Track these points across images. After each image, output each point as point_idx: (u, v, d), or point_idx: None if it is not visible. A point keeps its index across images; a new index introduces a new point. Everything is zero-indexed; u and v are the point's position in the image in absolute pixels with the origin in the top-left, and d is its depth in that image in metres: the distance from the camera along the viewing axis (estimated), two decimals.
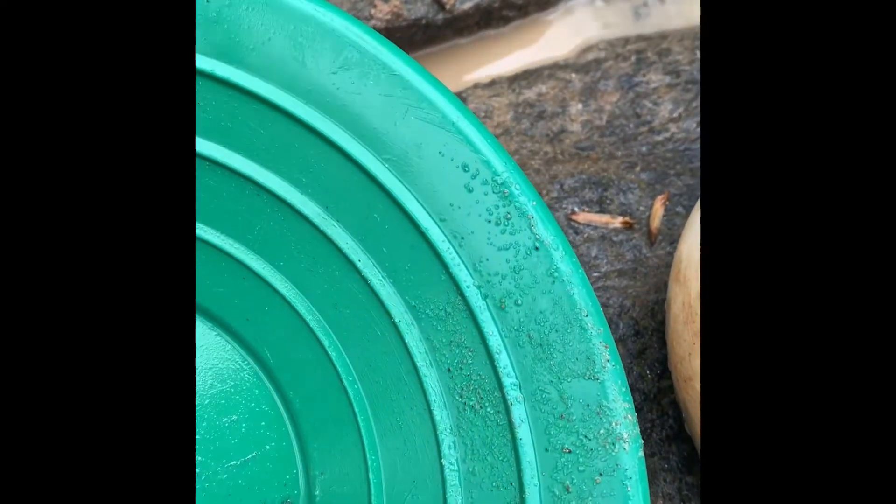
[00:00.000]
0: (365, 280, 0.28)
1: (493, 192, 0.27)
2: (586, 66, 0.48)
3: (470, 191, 0.27)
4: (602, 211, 0.42)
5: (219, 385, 0.31)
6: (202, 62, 0.27)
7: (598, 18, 0.51)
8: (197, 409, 0.31)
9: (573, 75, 0.48)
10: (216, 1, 0.26)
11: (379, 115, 0.27)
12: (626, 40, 0.49)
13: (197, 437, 0.30)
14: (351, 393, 0.29)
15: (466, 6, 0.48)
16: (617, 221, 0.41)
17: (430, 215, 0.27)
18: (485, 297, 0.27)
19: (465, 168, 0.27)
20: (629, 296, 0.39)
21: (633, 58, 0.48)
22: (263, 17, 0.27)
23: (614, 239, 0.41)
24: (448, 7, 0.48)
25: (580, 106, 0.47)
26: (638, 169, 0.44)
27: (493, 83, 0.48)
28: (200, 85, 0.27)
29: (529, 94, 0.47)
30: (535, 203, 0.26)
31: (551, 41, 0.52)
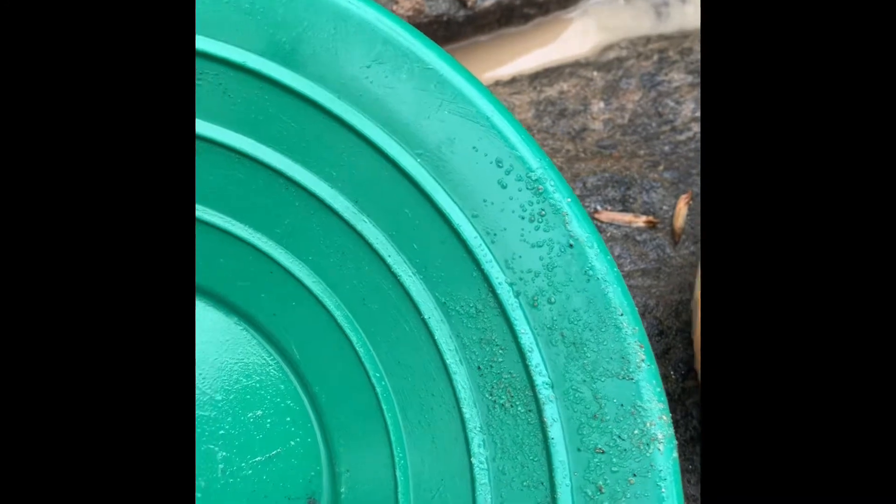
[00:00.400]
0: (395, 276, 0.28)
1: (527, 189, 0.26)
2: (608, 65, 0.48)
3: (503, 187, 0.26)
4: (625, 210, 0.41)
5: (244, 380, 0.31)
6: (234, 53, 0.27)
7: (618, 17, 0.51)
8: (222, 404, 0.30)
9: (595, 73, 0.48)
10: None
11: (412, 110, 0.27)
12: (647, 39, 0.49)
13: (222, 432, 0.30)
14: (378, 389, 0.29)
15: (488, 3, 0.48)
16: (640, 220, 0.41)
17: (463, 211, 0.27)
18: (517, 294, 0.26)
19: (498, 164, 0.26)
20: (653, 295, 0.39)
21: (655, 56, 0.48)
22: (296, 9, 0.27)
23: (637, 238, 0.41)
24: (469, 4, 0.48)
25: (602, 104, 0.46)
26: (661, 168, 0.43)
27: (513, 80, 0.48)
28: (231, 76, 0.27)
29: (551, 91, 0.47)
30: (569, 200, 0.26)
31: (572, 39, 0.51)
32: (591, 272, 0.26)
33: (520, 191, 0.26)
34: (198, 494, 0.30)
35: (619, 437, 0.25)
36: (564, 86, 0.47)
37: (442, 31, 0.48)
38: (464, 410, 0.27)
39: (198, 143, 0.28)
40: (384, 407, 0.29)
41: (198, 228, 0.29)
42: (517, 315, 0.26)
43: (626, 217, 0.41)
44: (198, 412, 0.30)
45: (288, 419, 0.30)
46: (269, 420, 0.30)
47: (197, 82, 0.27)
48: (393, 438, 0.29)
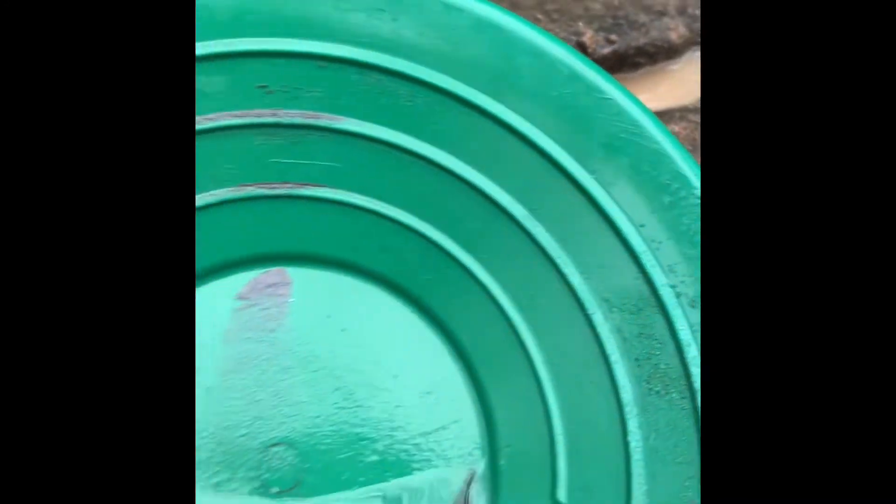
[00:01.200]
0: (563, 275, 0.32)
1: (690, 206, 0.31)
2: None
3: (669, 203, 0.31)
4: None
5: (416, 362, 0.35)
6: (442, 81, 0.32)
7: None
8: (393, 381, 0.35)
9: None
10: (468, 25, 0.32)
11: (592, 133, 0.31)
12: None
13: (393, 407, 0.34)
14: (541, 376, 0.33)
15: (605, 51, 0.53)
16: None
17: (631, 222, 0.31)
18: (678, 295, 0.31)
19: (665, 183, 0.31)
20: None
21: None
22: (500, 46, 0.32)
23: None
24: (590, 51, 0.53)
25: None
26: None
27: None
28: (437, 100, 0.32)
29: None
30: None
31: (678, 88, 0.56)
32: None
33: (683, 207, 0.31)
34: (374, 458, 0.34)
35: None
36: (675, 128, 0.52)
37: None
38: (621, 396, 0.31)
39: (404, 156, 0.33)
40: (545, 391, 0.33)
41: (392, 227, 0.34)
42: (677, 314, 0.30)
43: None
44: (380, 386, 0.34)
45: (452, 398, 0.34)
46: (434, 398, 0.35)
47: (409, 103, 0.32)
48: (552, 418, 0.33)
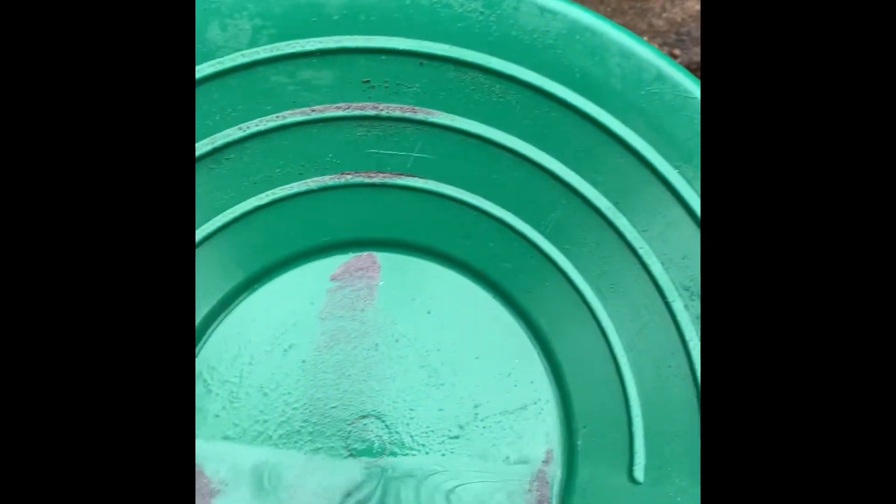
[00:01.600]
0: (644, 265, 0.34)
1: None
2: None
3: None
4: None
5: (497, 344, 0.37)
6: (532, 77, 0.34)
7: None
8: (475, 361, 0.37)
9: None
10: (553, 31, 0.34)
11: (677, 130, 0.33)
12: None
13: (477, 385, 0.36)
14: (620, 361, 0.35)
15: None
16: None
17: None
18: None
19: None
20: None
21: None
22: (590, 46, 0.34)
23: None
24: None
25: None
26: None
27: None
28: (527, 96, 0.34)
29: None
30: None
31: None
32: None
33: None
34: (456, 433, 0.36)
35: None
36: None
37: None
38: (698, 378, 0.33)
39: (493, 149, 0.35)
40: (624, 374, 0.34)
41: (477, 216, 0.36)
42: None
43: None
44: (464, 366, 0.36)
45: (531, 381, 0.36)
46: (515, 381, 0.36)
47: (501, 99, 0.35)
48: (630, 400, 0.34)
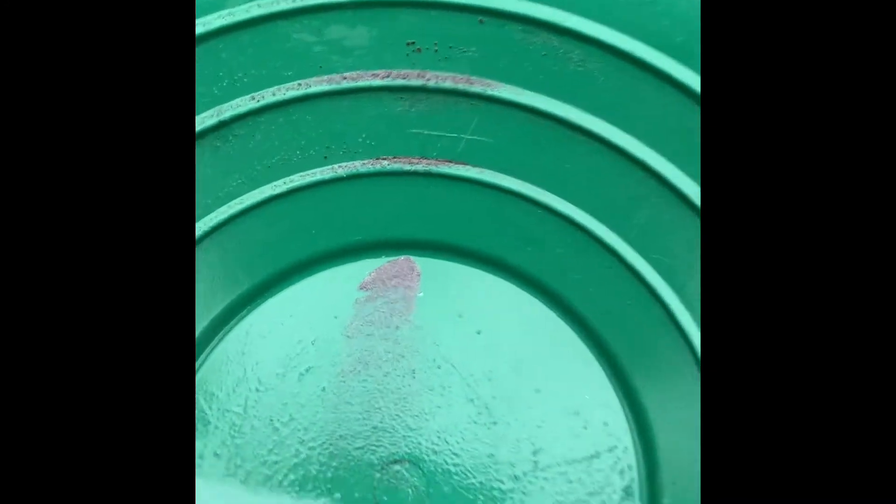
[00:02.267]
0: None
1: None
2: None
3: None
4: None
5: (563, 374, 0.30)
6: (597, 31, 0.27)
7: None
8: (535, 395, 0.30)
9: None
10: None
11: None
12: None
13: (535, 427, 0.30)
14: None
15: None
16: None
17: None
18: None
19: None
20: None
21: None
22: (686, 9, 0.27)
23: None
24: None
25: None
26: None
27: None
28: (590, 55, 0.28)
29: None
30: None
31: None
32: None
33: None
34: (510, 486, 0.29)
35: None
36: None
37: None
38: None
39: (567, 132, 0.28)
40: None
41: (541, 215, 0.30)
42: None
43: None
44: (520, 400, 0.30)
45: (606, 423, 0.30)
46: (586, 420, 0.30)
47: (580, 68, 0.28)
48: None
